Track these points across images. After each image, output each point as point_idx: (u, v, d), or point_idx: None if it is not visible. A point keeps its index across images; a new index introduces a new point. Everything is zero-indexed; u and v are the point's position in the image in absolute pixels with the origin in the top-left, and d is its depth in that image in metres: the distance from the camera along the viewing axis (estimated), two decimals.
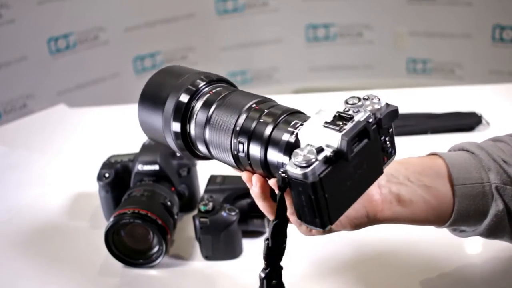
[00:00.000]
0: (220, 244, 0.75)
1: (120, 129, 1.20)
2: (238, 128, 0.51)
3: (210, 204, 0.75)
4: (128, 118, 1.27)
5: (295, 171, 0.43)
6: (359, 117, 0.46)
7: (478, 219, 0.57)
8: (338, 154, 0.44)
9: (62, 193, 0.97)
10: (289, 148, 0.48)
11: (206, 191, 0.79)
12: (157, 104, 0.56)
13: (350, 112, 0.46)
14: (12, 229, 0.89)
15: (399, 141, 1.16)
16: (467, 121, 1.07)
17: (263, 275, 0.51)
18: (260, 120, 0.50)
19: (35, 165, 1.08)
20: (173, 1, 2.65)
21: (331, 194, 0.44)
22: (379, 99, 0.48)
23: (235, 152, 0.52)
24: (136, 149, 0.85)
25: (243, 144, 0.51)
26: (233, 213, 0.75)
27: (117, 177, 0.83)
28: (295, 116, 0.50)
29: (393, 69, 2.89)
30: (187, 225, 0.85)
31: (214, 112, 0.53)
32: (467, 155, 0.58)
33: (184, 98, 0.54)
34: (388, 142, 0.50)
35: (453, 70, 2.80)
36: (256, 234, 0.81)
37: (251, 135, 0.50)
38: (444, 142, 1.04)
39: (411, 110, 1.13)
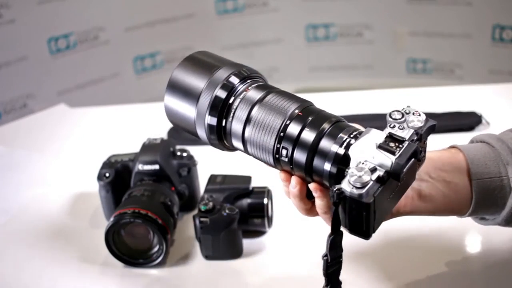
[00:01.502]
0: (220, 243, 0.75)
1: (120, 129, 1.20)
2: (282, 134, 0.52)
3: (210, 204, 0.75)
4: (128, 118, 1.27)
5: (352, 191, 0.46)
6: (407, 136, 0.49)
7: (496, 210, 0.59)
8: (390, 174, 0.47)
9: (62, 193, 0.97)
10: (338, 159, 0.50)
11: (206, 190, 0.79)
12: (190, 96, 0.56)
13: (400, 134, 0.49)
14: (12, 229, 0.89)
15: None
16: (467, 121, 1.07)
17: None
18: (306, 128, 0.52)
19: (35, 165, 1.08)
20: (173, 1, 2.65)
21: (378, 209, 0.48)
22: (420, 114, 0.51)
23: (277, 156, 0.53)
24: (136, 148, 0.85)
25: (287, 150, 0.52)
26: (233, 213, 0.75)
27: (117, 177, 0.83)
28: (340, 126, 0.52)
29: (393, 69, 2.89)
30: (187, 225, 0.85)
31: (255, 111, 0.54)
32: (486, 149, 0.59)
33: (222, 94, 0.55)
34: (422, 152, 0.53)
35: (453, 70, 2.80)
36: (256, 234, 0.81)
37: (297, 143, 0.52)
38: (444, 142, 1.04)
39: None
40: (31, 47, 2.32)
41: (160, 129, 1.14)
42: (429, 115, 1.19)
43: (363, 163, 0.47)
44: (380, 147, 0.48)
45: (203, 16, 2.73)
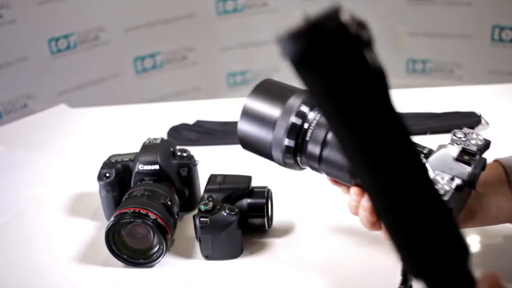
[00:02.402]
0: (220, 243, 0.75)
1: (121, 129, 1.20)
2: None
3: (210, 204, 0.75)
4: (129, 118, 1.27)
5: None
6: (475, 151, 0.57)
7: None
8: (466, 183, 0.54)
9: (62, 193, 0.97)
10: None
11: (206, 190, 0.79)
12: (266, 123, 0.63)
13: (471, 148, 0.57)
14: (12, 229, 0.89)
15: None
16: (467, 121, 1.07)
17: None
18: None
19: (35, 165, 1.08)
20: (173, 1, 2.65)
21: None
22: (478, 134, 0.59)
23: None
24: (136, 148, 0.85)
25: None
26: (233, 213, 0.75)
27: (117, 177, 0.83)
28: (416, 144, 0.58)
29: (393, 69, 2.90)
30: (187, 225, 0.85)
31: (331, 135, 0.61)
32: None
33: (297, 120, 0.62)
34: None
35: (452, 70, 2.80)
36: (256, 233, 0.81)
37: None
38: (444, 142, 1.04)
39: (410, 110, 1.13)
40: (31, 48, 2.33)
41: (160, 129, 1.14)
42: (428, 115, 1.20)
43: (440, 173, 0.55)
44: (457, 159, 0.56)
45: (203, 16, 2.74)
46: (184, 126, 1.16)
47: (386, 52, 2.87)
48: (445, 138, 1.06)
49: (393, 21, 2.81)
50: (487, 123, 1.07)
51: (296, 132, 0.62)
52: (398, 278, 0.71)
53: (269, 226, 0.80)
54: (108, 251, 0.75)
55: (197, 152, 0.90)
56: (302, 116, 0.63)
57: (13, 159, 1.11)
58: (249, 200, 0.79)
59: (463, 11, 2.65)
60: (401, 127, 0.32)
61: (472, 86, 1.34)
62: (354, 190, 0.62)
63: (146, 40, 2.64)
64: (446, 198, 0.52)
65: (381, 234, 0.62)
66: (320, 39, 0.28)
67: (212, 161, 0.97)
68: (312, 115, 0.63)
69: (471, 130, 0.59)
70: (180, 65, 2.76)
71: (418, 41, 2.80)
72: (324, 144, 0.62)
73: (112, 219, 0.74)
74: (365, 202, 0.60)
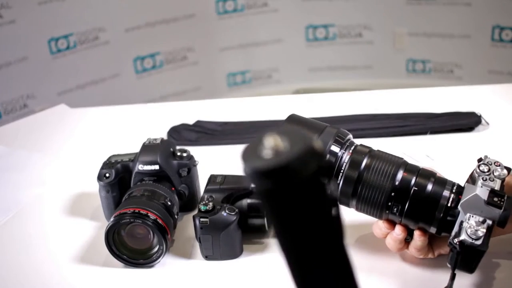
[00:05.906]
0: (220, 244, 0.75)
1: (121, 129, 1.20)
2: (393, 194, 0.64)
3: (210, 204, 0.75)
4: (129, 118, 1.27)
5: (472, 242, 0.58)
6: (498, 186, 0.60)
7: None
8: (496, 223, 0.59)
9: (62, 193, 0.97)
10: (446, 212, 0.63)
11: (206, 190, 0.79)
12: None
13: (498, 188, 0.60)
14: (12, 229, 0.89)
15: (399, 141, 1.16)
16: (467, 121, 1.07)
17: None
18: (414, 188, 0.63)
19: (35, 165, 1.08)
20: (173, 1, 2.66)
21: None
22: (500, 165, 0.62)
23: (387, 211, 0.65)
24: (136, 149, 0.85)
25: (398, 207, 0.64)
26: (233, 213, 0.75)
27: (117, 177, 0.83)
28: (440, 181, 0.64)
29: (392, 69, 2.90)
30: (187, 225, 0.85)
31: (365, 175, 0.65)
32: None
33: (331, 158, 0.66)
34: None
35: (452, 70, 2.81)
36: (256, 234, 0.81)
37: (409, 201, 0.63)
38: (443, 142, 1.05)
39: (410, 110, 1.13)
40: (31, 48, 2.33)
41: (160, 129, 1.14)
42: (428, 115, 1.20)
43: (473, 216, 0.59)
44: (488, 203, 0.59)
45: (203, 16, 2.74)
46: (184, 126, 1.16)
47: (385, 53, 2.87)
48: (445, 138, 1.06)
49: (392, 21, 2.81)
50: (487, 123, 1.07)
51: (330, 169, 0.65)
52: (397, 277, 0.72)
53: (269, 226, 0.80)
54: (108, 251, 0.75)
55: (197, 152, 0.90)
56: (334, 155, 0.66)
57: (13, 159, 1.11)
58: (249, 201, 0.79)
59: (462, 11, 2.65)
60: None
61: (471, 86, 1.34)
62: (383, 224, 0.67)
63: (146, 40, 2.64)
64: (480, 241, 0.57)
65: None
66: (289, 185, 0.28)
67: (212, 161, 0.97)
68: (345, 156, 0.66)
69: (493, 160, 0.61)
70: (180, 65, 2.76)
71: (418, 41, 2.80)
72: (357, 183, 0.65)
73: (112, 219, 0.74)
74: (397, 235, 0.66)
